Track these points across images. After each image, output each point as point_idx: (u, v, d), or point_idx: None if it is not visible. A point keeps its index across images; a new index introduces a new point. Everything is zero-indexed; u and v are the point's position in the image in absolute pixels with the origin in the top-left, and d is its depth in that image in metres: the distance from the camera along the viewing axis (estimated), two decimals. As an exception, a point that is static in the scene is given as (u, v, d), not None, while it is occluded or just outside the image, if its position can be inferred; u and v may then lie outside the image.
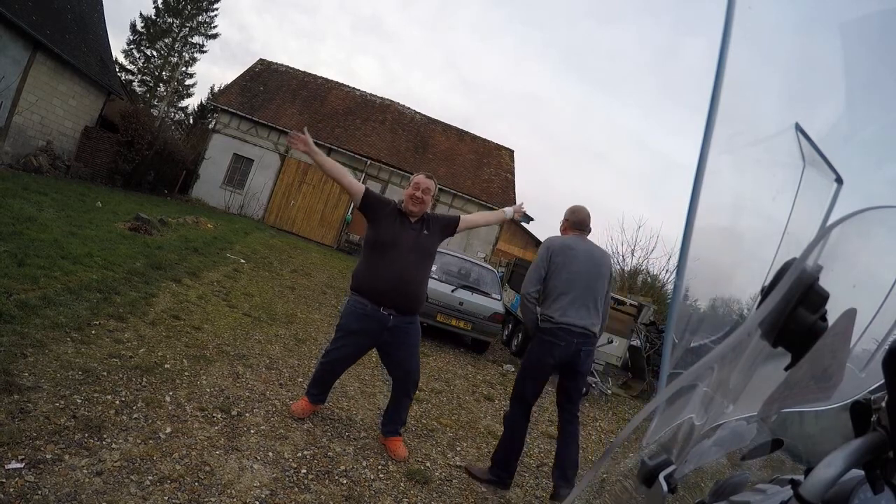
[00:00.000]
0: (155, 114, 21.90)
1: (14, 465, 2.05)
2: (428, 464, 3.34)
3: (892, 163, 0.65)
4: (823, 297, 0.50)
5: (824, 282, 0.50)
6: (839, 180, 0.65)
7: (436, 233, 3.29)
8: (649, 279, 17.13)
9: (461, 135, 22.96)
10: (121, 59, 29.18)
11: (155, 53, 31.21)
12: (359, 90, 23.00)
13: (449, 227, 3.37)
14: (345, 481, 2.83)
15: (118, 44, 40.38)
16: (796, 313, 0.50)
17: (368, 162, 19.66)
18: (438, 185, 3.37)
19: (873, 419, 0.54)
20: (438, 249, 7.88)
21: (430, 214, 3.35)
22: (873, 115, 0.63)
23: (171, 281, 5.73)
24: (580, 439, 3.46)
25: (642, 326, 8.77)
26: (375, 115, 21.95)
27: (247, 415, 3.21)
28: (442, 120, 23.33)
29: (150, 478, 2.28)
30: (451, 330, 7.12)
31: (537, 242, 21.82)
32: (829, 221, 0.58)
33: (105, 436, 2.46)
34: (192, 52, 32.33)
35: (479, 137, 23.15)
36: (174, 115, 31.43)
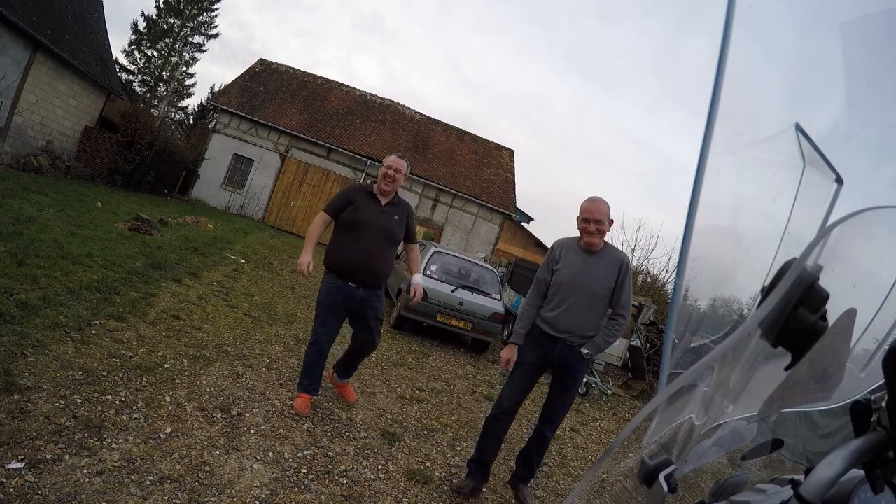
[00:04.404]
0: (155, 114, 21.85)
1: (14, 464, 2.05)
2: (428, 464, 3.35)
3: (892, 163, 0.65)
4: (823, 296, 0.50)
5: (824, 282, 0.50)
6: (839, 180, 0.65)
7: (402, 224, 3.54)
8: (649, 279, 17.11)
9: (461, 135, 22.96)
10: (121, 59, 29.19)
11: (155, 53, 31.21)
12: (359, 90, 23.00)
13: (409, 233, 3.61)
14: (345, 481, 2.83)
15: (119, 44, 40.40)
16: (796, 313, 0.50)
17: (368, 162, 19.65)
18: (409, 169, 3.64)
19: (873, 419, 0.54)
20: (438, 249, 7.88)
21: (410, 210, 3.62)
22: (873, 115, 0.63)
23: (172, 281, 5.73)
24: (580, 440, 3.44)
25: (642, 326, 8.76)
26: (375, 115, 21.96)
27: (247, 415, 3.21)
28: (442, 120, 23.35)
29: (150, 478, 2.28)
30: (451, 330, 7.12)
31: (537, 242, 21.82)
32: (830, 221, 0.58)
33: (105, 436, 2.46)
34: (193, 52, 32.35)
35: (479, 137, 23.16)
36: (174, 115, 31.42)
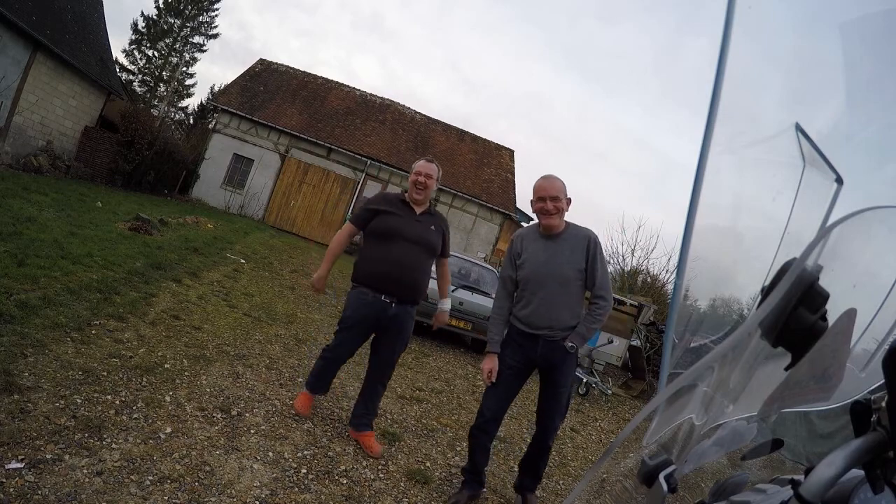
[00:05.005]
0: (155, 114, 21.86)
1: (14, 464, 2.05)
2: (428, 464, 3.34)
3: (892, 163, 0.65)
4: (823, 296, 0.50)
5: (824, 282, 0.50)
6: (839, 180, 0.65)
7: (439, 235, 3.25)
8: (649, 279, 17.10)
9: (461, 135, 22.96)
10: (121, 59, 29.21)
11: (156, 53, 31.22)
12: (358, 90, 22.99)
13: (444, 247, 3.33)
14: (345, 481, 2.83)
15: (119, 44, 40.45)
16: (796, 313, 0.50)
17: (368, 162, 19.65)
18: (441, 173, 3.32)
19: (873, 419, 0.54)
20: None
21: (446, 223, 3.34)
22: (874, 114, 0.63)
23: (172, 281, 5.73)
24: (580, 440, 3.40)
25: (642, 326, 8.77)
26: (375, 115, 21.95)
27: (247, 415, 3.21)
28: (442, 120, 23.35)
29: (150, 478, 2.28)
30: (451, 330, 7.12)
31: (537, 242, 21.79)
32: (830, 221, 0.58)
33: (105, 436, 2.46)
34: (193, 52, 32.37)
35: (479, 137, 23.15)
36: (174, 115, 31.43)
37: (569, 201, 2.79)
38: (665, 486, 0.59)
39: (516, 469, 3.69)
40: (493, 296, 7.59)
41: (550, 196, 2.72)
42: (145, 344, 3.73)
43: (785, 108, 0.62)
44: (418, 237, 3.11)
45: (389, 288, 3.08)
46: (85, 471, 2.18)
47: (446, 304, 3.42)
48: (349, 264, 3.38)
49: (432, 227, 3.20)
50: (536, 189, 2.79)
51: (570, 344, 2.73)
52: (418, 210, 3.19)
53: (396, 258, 3.06)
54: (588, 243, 2.76)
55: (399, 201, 3.20)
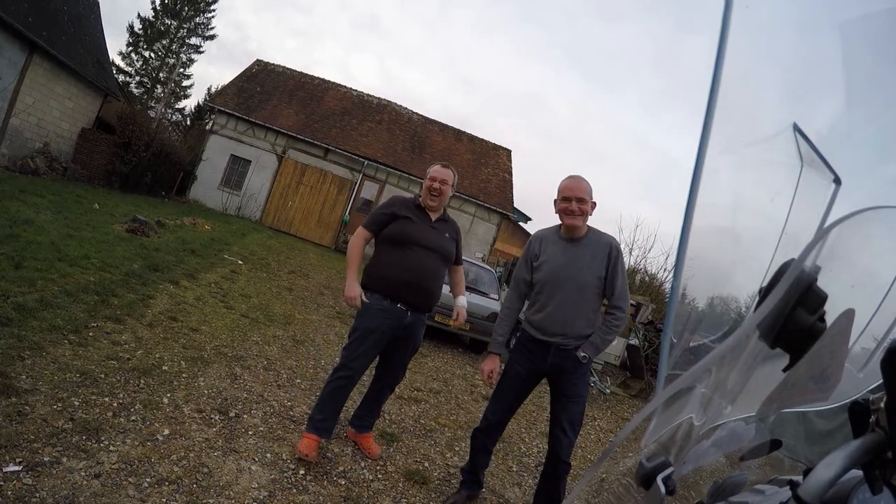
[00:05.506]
0: (152, 115, 21.82)
1: (12, 467, 2.04)
2: (426, 464, 3.34)
3: (892, 162, 0.65)
4: (822, 297, 0.50)
5: (823, 282, 0.50)
6: (837, 181, 0.65)
7: (453, 243, 3.15)
8: (647, 278, 17.12)
9: (458, 135, 22.96)
10: (118, 60, 29.17)
11: (152, 55, 31.19)
12: (355, 90, 22.97)
13: (457, 254, 3.24)
14: (343, 482, 2.82)
15: (116, 46, 40.34)
16: (795, 314, 0.50)
17: (365, 162, 19.64)
18: (457, 178, 3.20)
19: (872, 419, 0.54)
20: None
21: (459, 230, 3.25)
22: (873, 114, 0.63)
23: (169, 282, 5.72)
24: (579, 440, 3.33)
25: (640, 325, 8.78)
26: (372, 116, 21.94)
27: (245, 416, 3.20)
28: (439, 120, 23.35)
29: (148, 480, 2.28)
30: (449, 330, 7.12)
31: (535, 242, 21.79)
32: (828, 222, 0.57)
33: (103, 438, 2.45)
34: (189, 54, 32.35)
35: (476, 137, 23.16)
36: (171, 117, 31.41)
37: (594, 205, 2.67)
38: (663, 489, 0.58)
39: (515, 469, 3.69)
40: (492, 296, 7.60)
41: (577, 197, 2.60)
42: (143, 346, 3.72)
43: (784, 107, 0.61)
44: (433, 244, 3.00)
45: (404, 295, 2.93)
46: (83, 473, 2.17)
47: (463, 300, 3.30)
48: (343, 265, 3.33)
49: (447, 235, 3.09)
50: (562, 189, 2.66)
51: (582, 354, 2.61)
52: (433, 216, 3.07)
53: (412, 265, 2.94)
54: (610, 251, 2.65)
55: (415, 206, 3.06)
